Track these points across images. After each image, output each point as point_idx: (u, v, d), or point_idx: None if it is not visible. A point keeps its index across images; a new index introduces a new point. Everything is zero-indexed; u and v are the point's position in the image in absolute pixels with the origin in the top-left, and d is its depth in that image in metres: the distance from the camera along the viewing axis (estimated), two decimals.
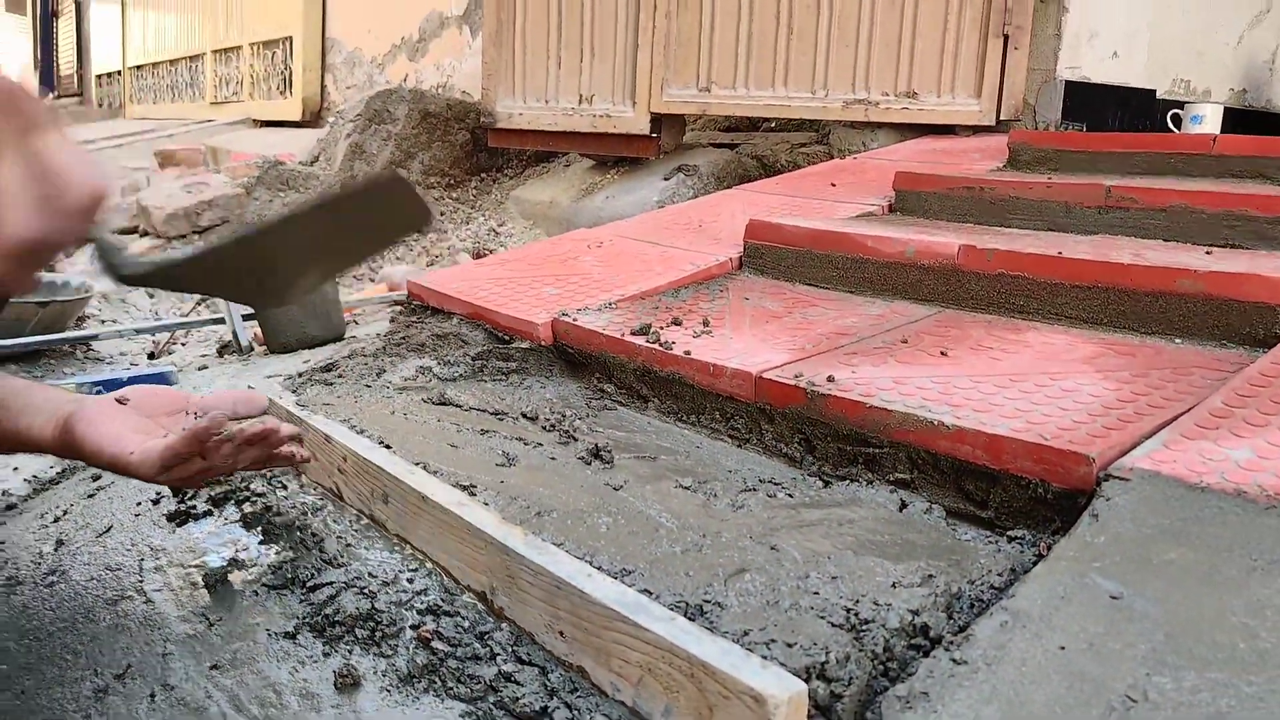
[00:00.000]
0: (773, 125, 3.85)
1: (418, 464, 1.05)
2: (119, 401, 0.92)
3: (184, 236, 3.72)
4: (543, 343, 1.56)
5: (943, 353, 1.27)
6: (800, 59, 3.13)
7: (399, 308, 1.96)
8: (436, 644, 0.80)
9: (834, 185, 2.42)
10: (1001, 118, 2.82)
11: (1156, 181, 1.85)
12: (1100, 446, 0.93)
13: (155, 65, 9.44)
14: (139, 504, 1.22)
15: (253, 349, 2.33)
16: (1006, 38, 2.78)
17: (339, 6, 6.65)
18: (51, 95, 13.20)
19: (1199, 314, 1.24)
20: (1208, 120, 2.68)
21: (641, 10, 3.40)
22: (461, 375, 1.48)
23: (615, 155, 3.68)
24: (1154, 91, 3.09)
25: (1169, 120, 2.83)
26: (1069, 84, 2.81)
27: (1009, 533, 0.95)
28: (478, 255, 3.61)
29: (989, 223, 1.91)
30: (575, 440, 1.22)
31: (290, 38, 6.76)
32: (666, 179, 3.44)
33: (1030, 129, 2.85)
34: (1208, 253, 1.49)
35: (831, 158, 3.21)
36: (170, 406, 0.94)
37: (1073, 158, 2.23)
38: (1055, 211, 1.81)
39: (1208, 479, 0.86)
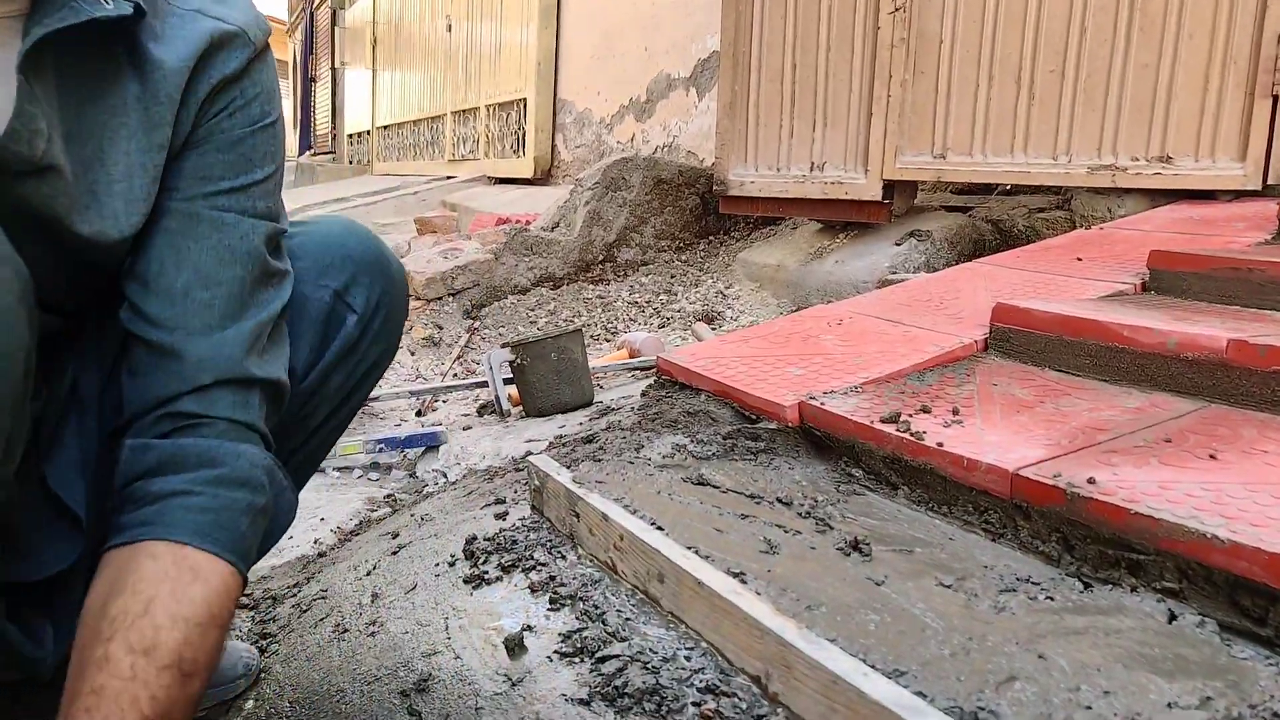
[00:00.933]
0: (1009, 189, 3.78)
1: (689, 547, 1.15)
2: None
3: (440, 299, 4.08)
4: (790, 424, 1.64)
5: (1211, 455, 1.24)
6: (1041, 125, 3.08)
7: (649, 381, 2.10)
8: None
9: (1080, 260, 2.37)
10: (1269, 182, 2.65)
11: None
12: None
13: (400, 125, 10.36)
14: (437, 564, 1.38)
15: (509, 412, 2.54)
16: (1276, 98, 2.63)
17: (570, 70, 7.07)
18: (310, 152, 14.73)
19: None
20: None
21: (876, 80, 3.45)
22: (714, 454, 1.58)
23: (845, 220, 3.73)
24: None
25: None
26: None
27: None
28: (707, 319, 3.75)
29: (1258, 306, 1.82)
30: (831, 529, 1.28)
31: (524, 99, 7.25)
32: (898, 244, 3.45)
33: None
34: None
35: (1073, 224, 3.11)
36: None
37: None
38: None
39: None
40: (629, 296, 4.11)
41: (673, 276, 4.32)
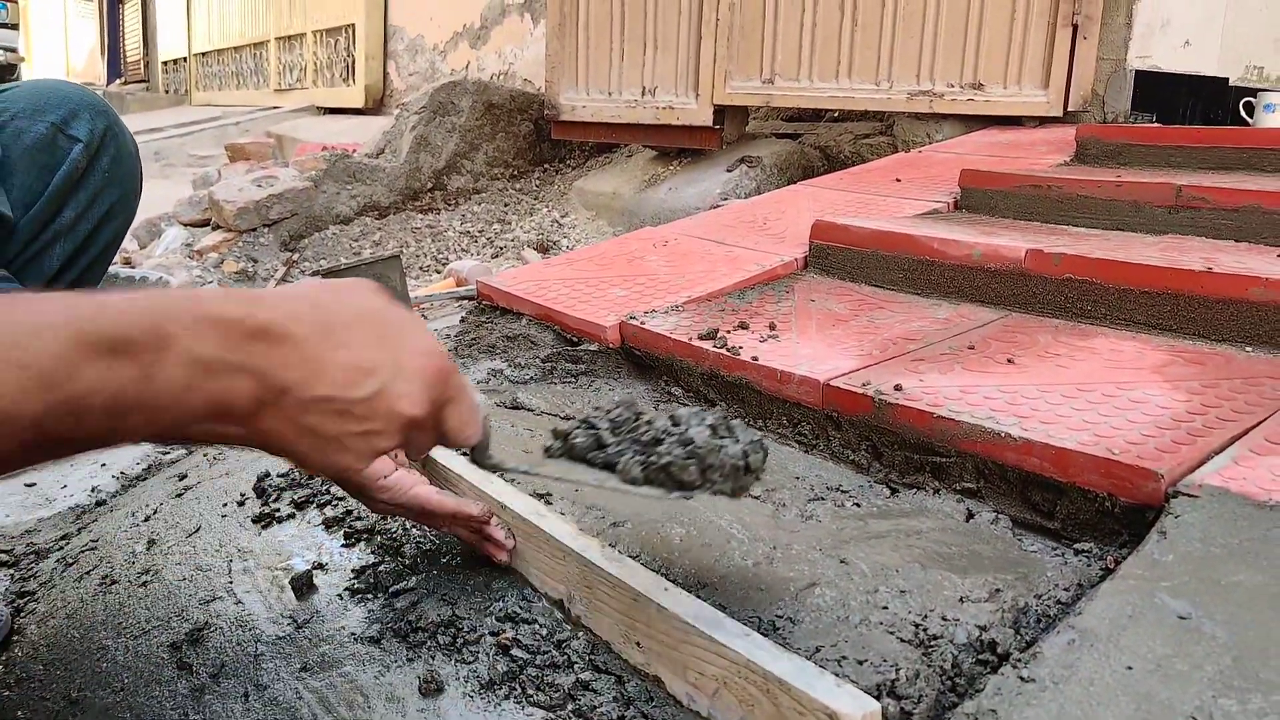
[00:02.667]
0: (836, 115, 3.83)
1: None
2: None
3: (254, 230, 3.83)
4: (611, 345, 1.60)
5: (1010, 360, 1.28)
6: (865, 51, 3.11)
7: (469, 304, 2.01)
8: (516, 651, 0.85)
9: (899, 181, 2.41)
10: (1069, 109, 2.78)
11: (1228, 180, 1.82)
12: (1169, 463, 0.94)
13: (220, 52, 9.66)
14: (225, 505, 1.28)
15: None
16: (1075, 27, 2.73)
17: None
18: (120, 80, 13.57)
19: (1270, 322, 1.23)
20: None
21: (704, 2, 3.40)
22: (532, 378, 1.52)
23: (678, 147, 3.70)
24: (1226, 80, 3.01)
25: (1241, 109, 2.76)
26: (1139, 74, 2.75)
27: (1075, 545, 0.96)
28: (541, 248, 3.67)
29: (1056, 221, 1.89)
30: None
31: (353, 25, 6.87)
32: (729, 170, 3.45)
33: (1099, 120, 2.80)
34: None
35: (896, 149, 3.19)
36: None
37: (1142, 152, 2.20)
38: (1124, 211, 1.79)
39: (1277, 496, 0.86)
40: (460, 226, 3.96)
41: (506, 205, 4.19)
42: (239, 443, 0.59)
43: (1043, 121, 2.85)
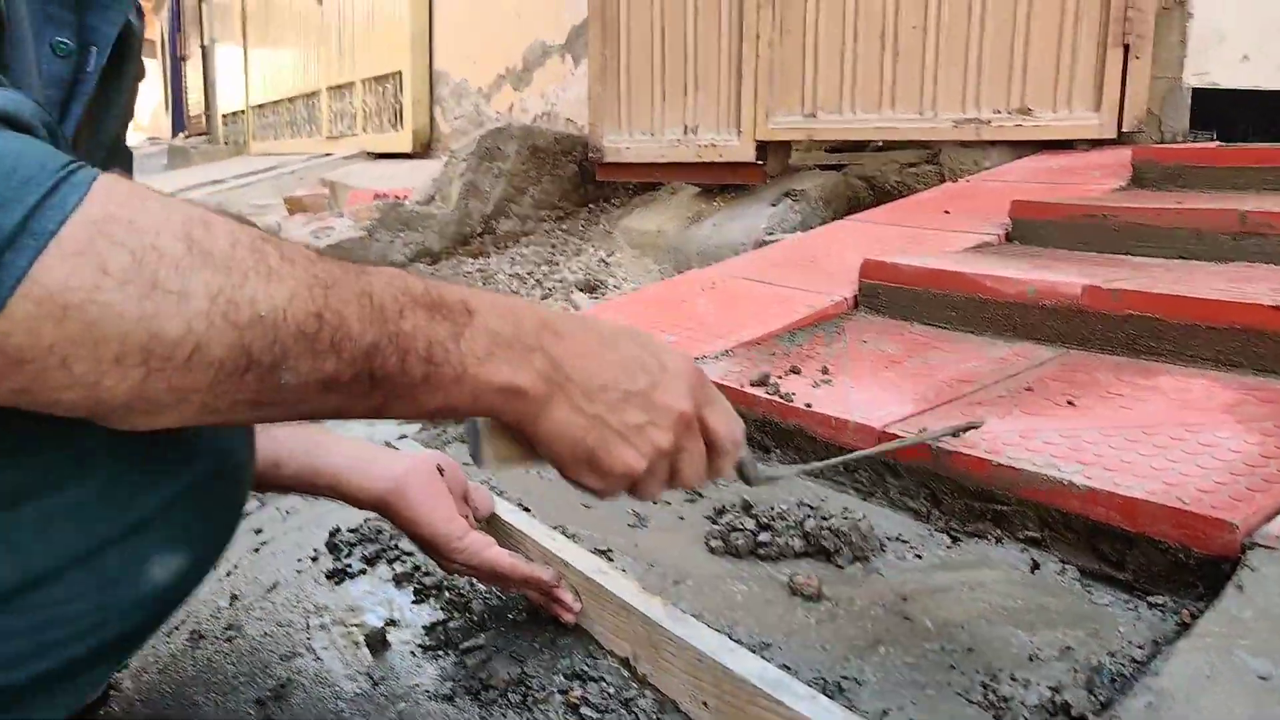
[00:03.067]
0: (880, 145, 3.82)
1: (556, 527, 1.10)
2: (438, 469, 0.95)
3: None
4: None
5: (1070, 402, 1.26)
6: (907, 81, 3.11)
7: None
8: (585, 710, 0.85)
9: (947, 213, 2.40)
10: (1124, 130, 2.74)
11: None
12: (1244, 512, 0.92)
13: (275, 103, 9.93)
14: (300, 560, 1.31)
15: None
16: (1127, 47, 2.70)
17: (445, 40, 6.87)
18: (184, 134, 14.03)
19: None
20: None
21: (744, 41, 3.43)
22: None
23: (721, 183, 3.72)
24: None
25: None
26: (1196, 91, 2.71)
27: (1148, 598, 0.95)
28: (589, 288, 3.70)
29: (1113, 251, 1.87)
30: (701, 497, 1.25)
31: (399, 72, 7.02)
32: (774, 205, 3.45)
33: (1155, 140, 2.76)
34: None
35: (943, 177, 3.17)
36: (463, 487, 0.99)
37: (1202, 174, 2.16)
38: (1185, 239, 1.76)
39: None
40: (510, 269, 4.01)
41: (554, 246, 4.24)
42: (528, 433, 0.63)
43: (1096, 144, 2.81)
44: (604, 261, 3.97)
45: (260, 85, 10.38)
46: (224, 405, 0.51)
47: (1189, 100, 2.68)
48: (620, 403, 0.64)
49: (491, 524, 1.07)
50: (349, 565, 1.24)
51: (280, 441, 0.91)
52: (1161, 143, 2.69)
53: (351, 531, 1.31)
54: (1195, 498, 0.95)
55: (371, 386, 0.54)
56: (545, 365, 0.61)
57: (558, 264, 4.06)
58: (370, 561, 1.24)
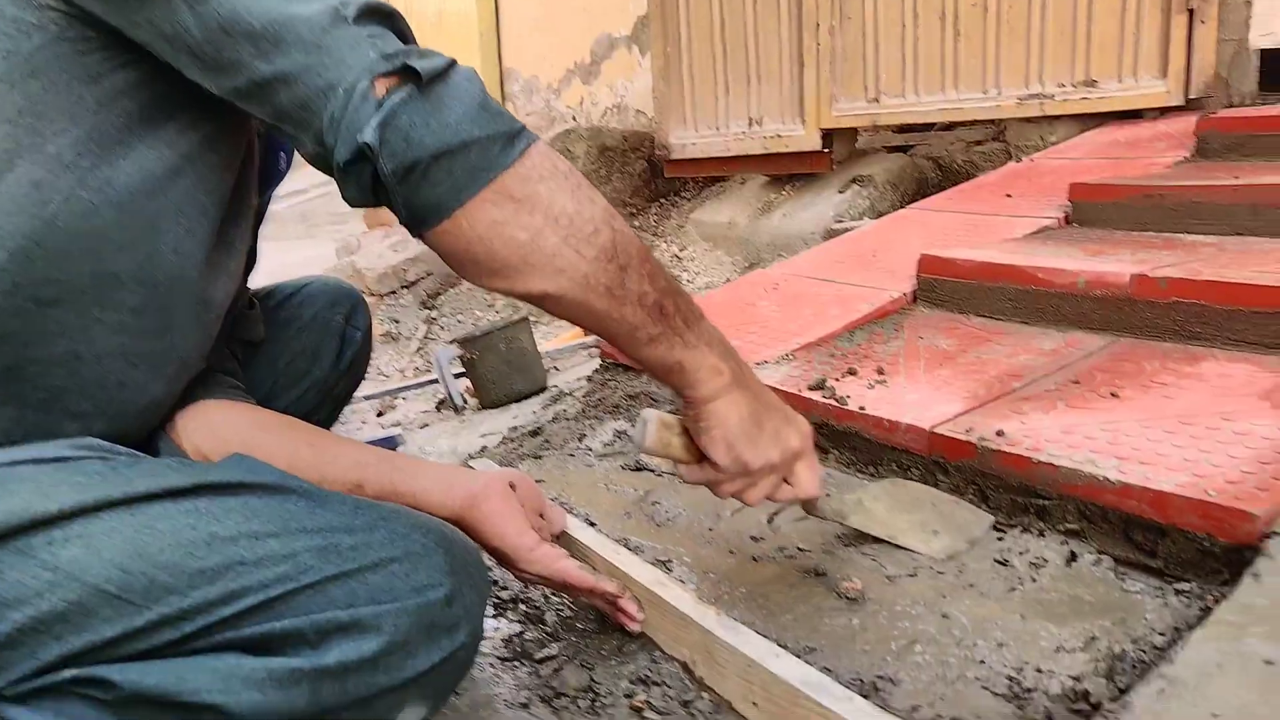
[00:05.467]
0: (946, 125, 3.80)
1: (620, 540, 1.20)
2: (510, 485, 1.03)
3: (394, 292, 4.10)
4: None
5: (1113, 394, 1.30)
6: (969, 60, 3.10)
7: (596, 362, 2.14)
8: (648, 714, 0.95)
9: (1009, 196, 2.41)
10: (1191, 96, 2.69)
11: None
12: (1267, 502, 0.96)
13: None
14: None
15: (466, 403, 2.59)
16: (1191, 11, 2.66)
17: (512, 36, 6.98)
18: None
19: None
20: None
21: (804, 29, 3.46)
22: None
23: (789, 173, 3.76)
24: None
25: None
26: (1264, 52, 2.65)
27: (1176, 585, 1.00)
28: None
29: (1171, 230, 1.87)
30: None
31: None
32: (841, 192, 3.48)
33: (1224, 103, 2.70)
34: None
35: (1009, 154, 3.15)
36: (536, 503, 1.09)
37: (1267, 142, 2.13)
38: (1242, 215, 1.76)
39: None
40: None
41: None
42: (707, 408, 0.89)
43: (1164, 112, 2.77)
44: (677, 256, 4.05)
45: None
46: (595, 282, 0.79)
47: (1257, 61, 2.62)
48: (766, 411, 0.92)
49: (562, 539, 1.18)
50: None
51: (365, 466, 1.01)
52: (1230, 105, 2.64)
53: None
54: (1221, 489, 1.00)
55: (661, 317, 0.83)
56: (735, 368, 0.90)
57: None
58: None
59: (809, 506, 1.08)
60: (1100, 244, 1.85)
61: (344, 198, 0.79)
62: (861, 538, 1.18)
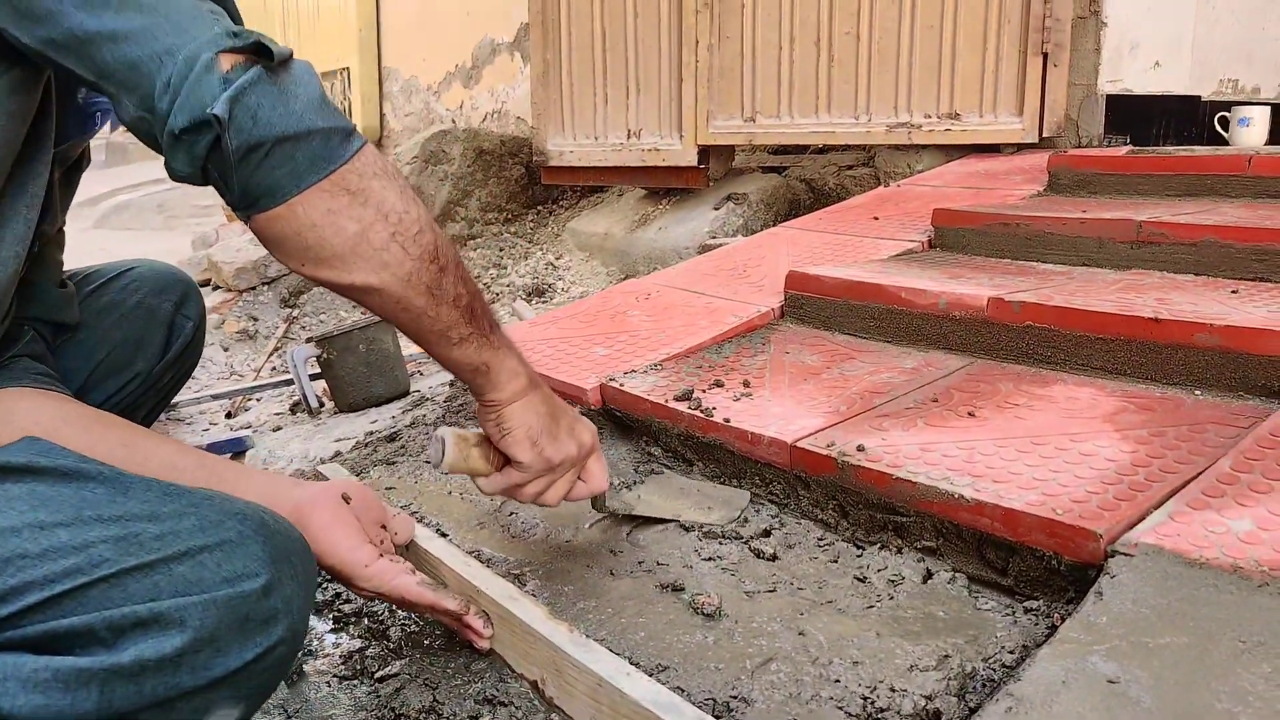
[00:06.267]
0: (819, 148, 3.89)
1: (472, 551, 1.14)
2: (344, 497, 0.97)
3: (253, 288, 3.90)
4: (592, 406, 1.65)
5: (970, 413, 1.33)
6: (843, 86, 3.18)
7: None
8: None
9: (876, 219, 2.47)
10: (1044, 134, 2.83)
11: (1190, 209, 1.87)
12: (1109, 521, 0.98)
13: None
14: None
15: (323, 405, 2.47)
16: (1046, 55, 2.79)
17: (393, 36, 6.81)
18: (124, 129, 13.78)
19: (1216, 366, 1.28)
20: (1255, 123, 2.64)
21: (684, 46, 3.47)
22: None
23: (665, 187, 3.76)
24: (1198, 98, 3.05)
25: (1216, 124, 2.80)
26: (1110, 97, 2.81)
27: (1025, 603, 1.01)
28: (537, 291, 3.73)
29: (1025, 258, 1.94)
30: (612, 516, 1.30)
31: (348, 68, 6.95)
32: (716, 208, 3.51)
33: (1074, 143, 2.85)
34: (1233, 292, 1.51)
35: (878, 179, 3.24)
36: (376, 514, 1.02)
37: (1111, 181, 2.25)
38: (1089, 247, 1.84)
39: (1207, 554, 0.91)
40: None
41: (501, 250, 4.26)
42: (505, 411, 0.97)
43: (1020, 148, 2.90)
44: (552, 265, 4.00)
45: None
46: (417, 280, 0.82)
47: (1104, 106, 2.78)
48: (560, 412, 1.02)
49: (410, 550, 1.11)
50: None
51: (181, 471, 0.91)
52: (1079, 146, 2.79)
53: None
54: (1067, 508, 1.02)
55: (471, 317, 0.88)
56: (530, 371, 0.98)
57: (505, 267, 4.08)
58: None
59: (598, 502, 1.18)
60: (960, 268, 1.90)
61: (168, 168, 0.75)
62: (719, 550, 1.15)
